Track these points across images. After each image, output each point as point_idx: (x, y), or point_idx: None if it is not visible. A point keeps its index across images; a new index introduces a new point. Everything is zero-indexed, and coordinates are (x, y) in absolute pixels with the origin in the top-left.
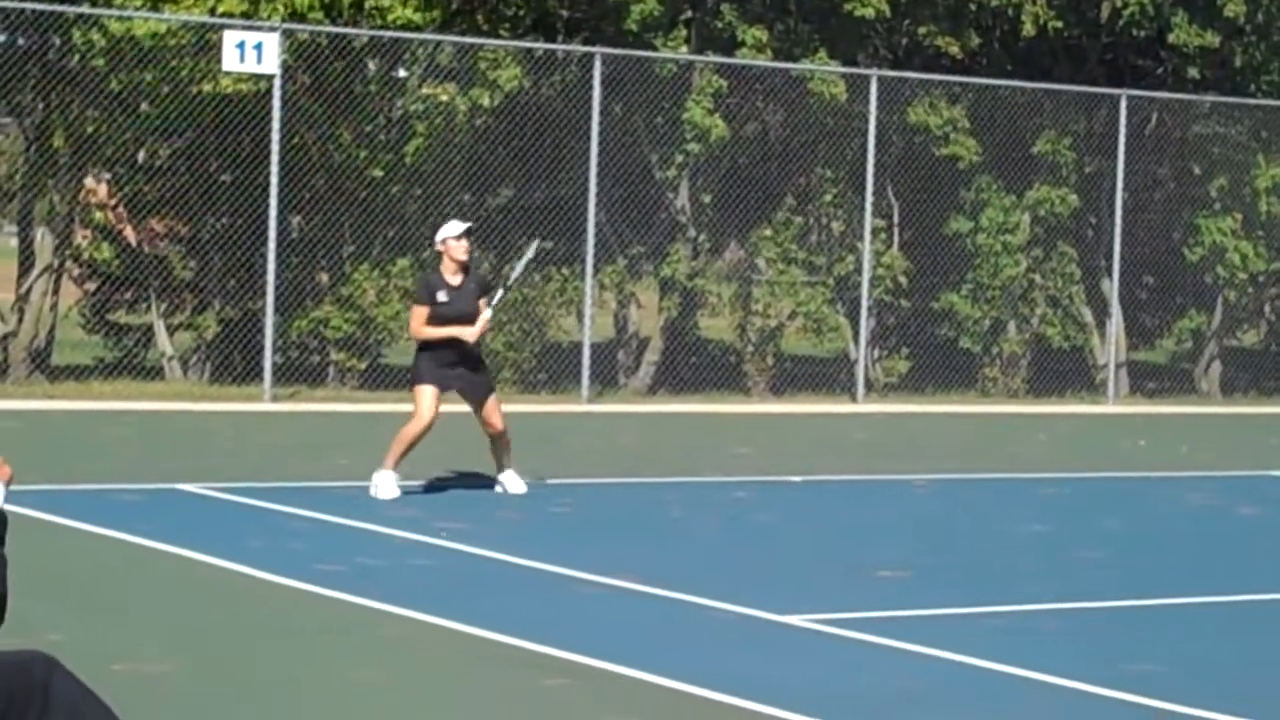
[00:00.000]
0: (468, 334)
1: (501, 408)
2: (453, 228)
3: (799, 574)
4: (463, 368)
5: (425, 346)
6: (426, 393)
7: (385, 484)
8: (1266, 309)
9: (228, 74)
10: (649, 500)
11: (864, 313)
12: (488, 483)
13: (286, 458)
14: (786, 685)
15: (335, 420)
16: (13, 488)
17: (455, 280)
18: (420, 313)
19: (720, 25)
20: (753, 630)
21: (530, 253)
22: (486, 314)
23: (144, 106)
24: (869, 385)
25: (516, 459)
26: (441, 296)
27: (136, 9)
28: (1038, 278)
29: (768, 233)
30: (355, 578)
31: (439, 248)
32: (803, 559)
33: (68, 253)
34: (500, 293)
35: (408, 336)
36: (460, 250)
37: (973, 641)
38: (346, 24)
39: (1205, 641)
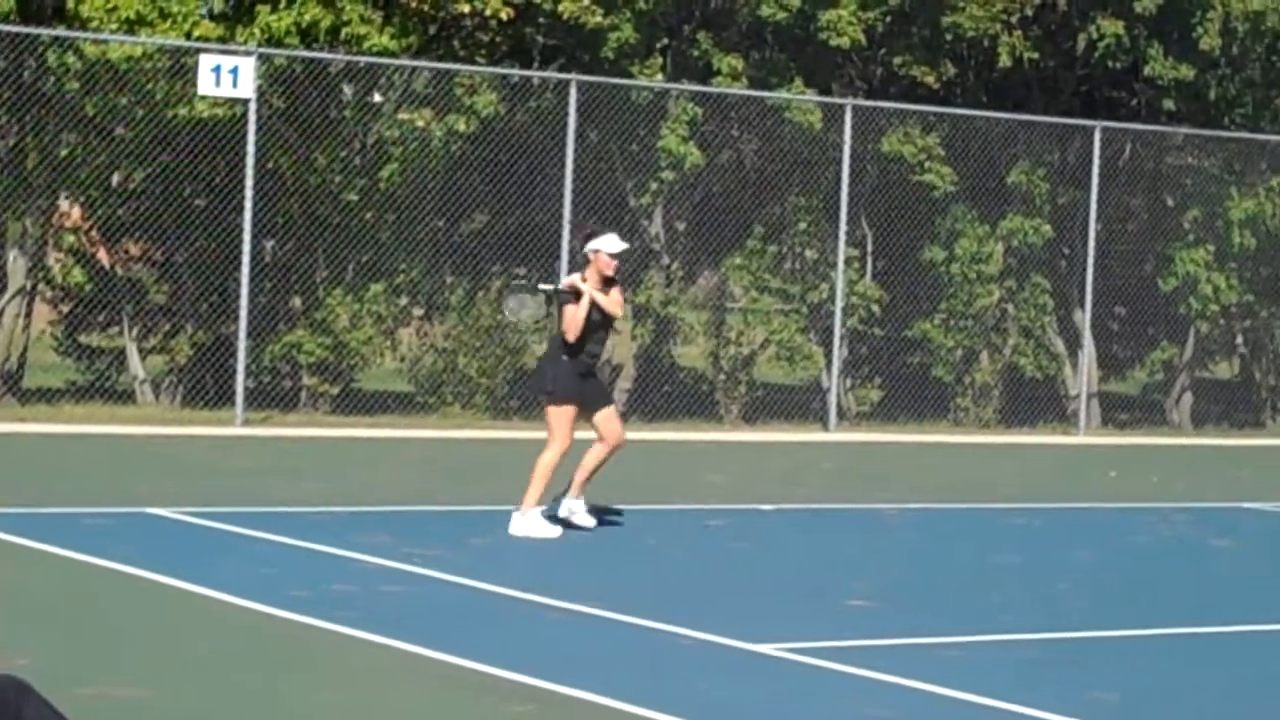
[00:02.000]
0: (605, 302)
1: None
2: (610, 243)
3: (770, 602)
4: (594, 379)
5: (570, 356)
6: (567, 415)
7: (535, 525)
8: (1238, 341)
9: (203, 98)
10: (619, 527)
11: (837, 341)
12: (459, 508)
13: (258, 482)
14: (756, 713)
15: (307, 445)
16: None
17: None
18: (576, 312)
19: (696, 53)
20: (723, 658)
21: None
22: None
23: (119, 130)
24: (841, 414)
25: (499, 486)
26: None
27: (112, 32)
28: (1010, 308)
29: (741, 261)
30: (326, 603)
31: (589, 255)
32: (773, 587)
33: (40, 275)
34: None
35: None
36: (609, 268)
37: (942, 671)
38: (322, 49)
39: (1175, 673)
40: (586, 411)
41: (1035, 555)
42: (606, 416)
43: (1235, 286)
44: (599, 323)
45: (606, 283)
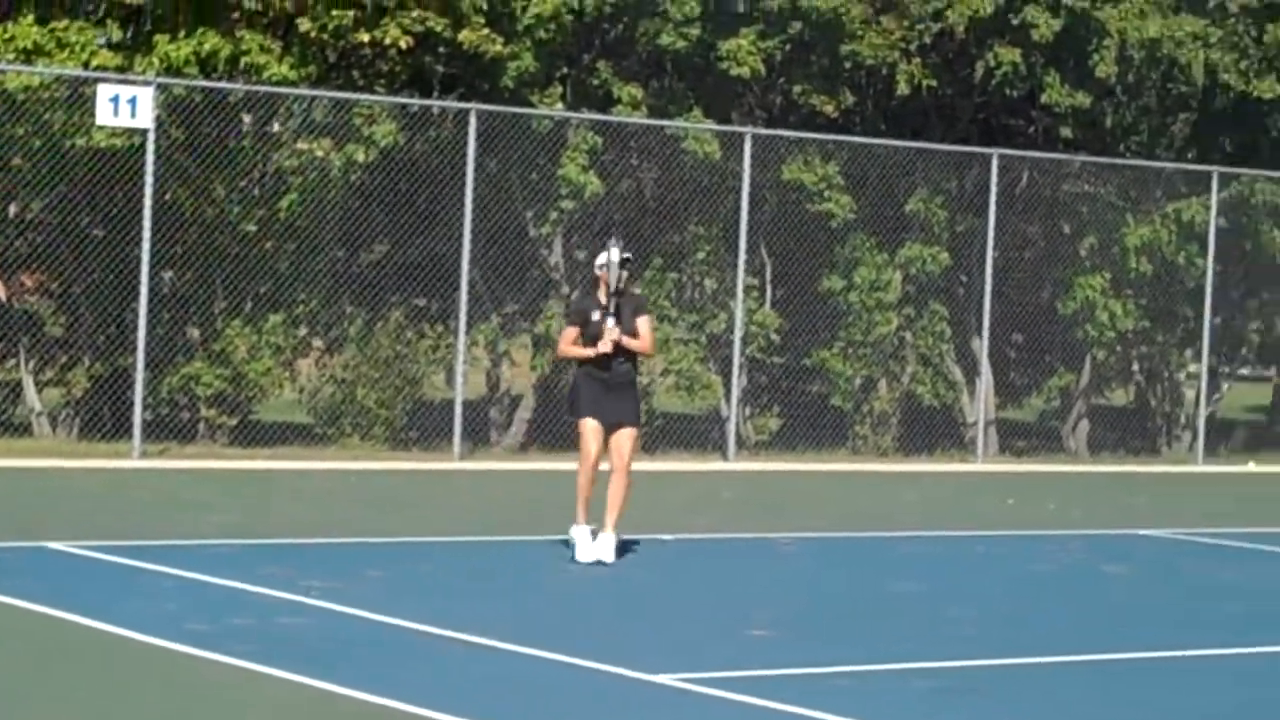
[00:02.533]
0: (603, 344)
1: (636, 451)
2: (601, 256)
3: (669, 632)
4: (619, 393)
5: (579, 367)
6: (587, 427)
7: (581, 541)
8: (1135, 368)
9: (101, 128)
10: (519, 559)
11: (736, 370)
12: (357, 540)
13: (156, 515)
14: None
15: (205, 477)
16: None
17: (605, 303)
18: (570, 333)
19: (596, 83)
20: (622, 689)
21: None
22: (614, 332)
23: (15, 160)
24: (740, 443)
25: (398, 517)
26: (595, 316)
27: (9, 62)
28: (909, 336)
29: (641, 290)
30: (225, 637)
31: (597, 272)
32: (673, 617)
33: None
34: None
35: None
36: (609, 280)
37: (842, 700)
38: (221, 79)
39: (1073, 700)
40: (606, 430)
41: (934, 583)
42: (616, 439)
43: (1132, 313)
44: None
45: (615, 295)
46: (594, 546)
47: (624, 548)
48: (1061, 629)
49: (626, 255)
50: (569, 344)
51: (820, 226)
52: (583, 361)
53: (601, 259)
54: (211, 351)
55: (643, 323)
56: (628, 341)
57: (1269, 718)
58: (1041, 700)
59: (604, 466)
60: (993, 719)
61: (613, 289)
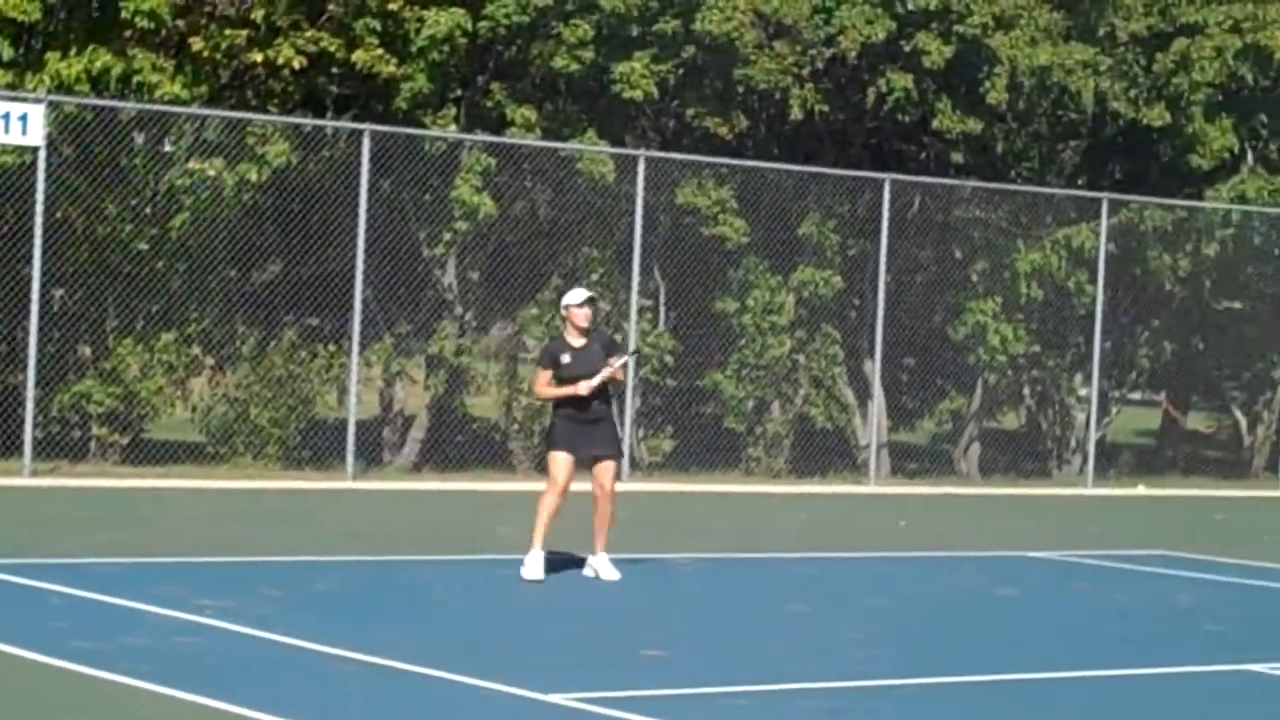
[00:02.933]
0: (582, 387)
1: (617, 483)
2: (575, 295)
3: (562, 652)
4: (594, 428)
5: (557, 408)
6: (558, 460)
7: (532, 563)
8: (1025, 391)
9: None
10: (413, 578)
11: (630, 392)
12: (251, 559)
13: (47, 533)
14: None
15: (97, 496)
16: None
17: (578, 343)
18: (544, 375)
19: (490, 104)
20: (516, 709)
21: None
22: (605, 370)
23: None
24: (634, 464)
25: (291, 536)
26: (565, 359)
27: None
28: (802, 358)
29: (535, 311)
30: (116, 656)
31: (563, 313)
32: (566, 637)
33: None
34: (619, 358)
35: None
36: (582, 317)
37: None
38: (113, 97)
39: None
40: (586, 463)
41: (826, 604)
42: (598, 472)
43: (1023, 337)
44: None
45: (584, 333)
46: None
47: (517, 566)
48: (952, 650)
49: (591, 295)
50: (545, 385)
51: (714, 249)
52: (559, 403)
53: (569, 298)
54: (103, 370)
55: (612, 362)
56: (612, 374)
57: None
58: None
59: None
60: None
61: (585, 327)
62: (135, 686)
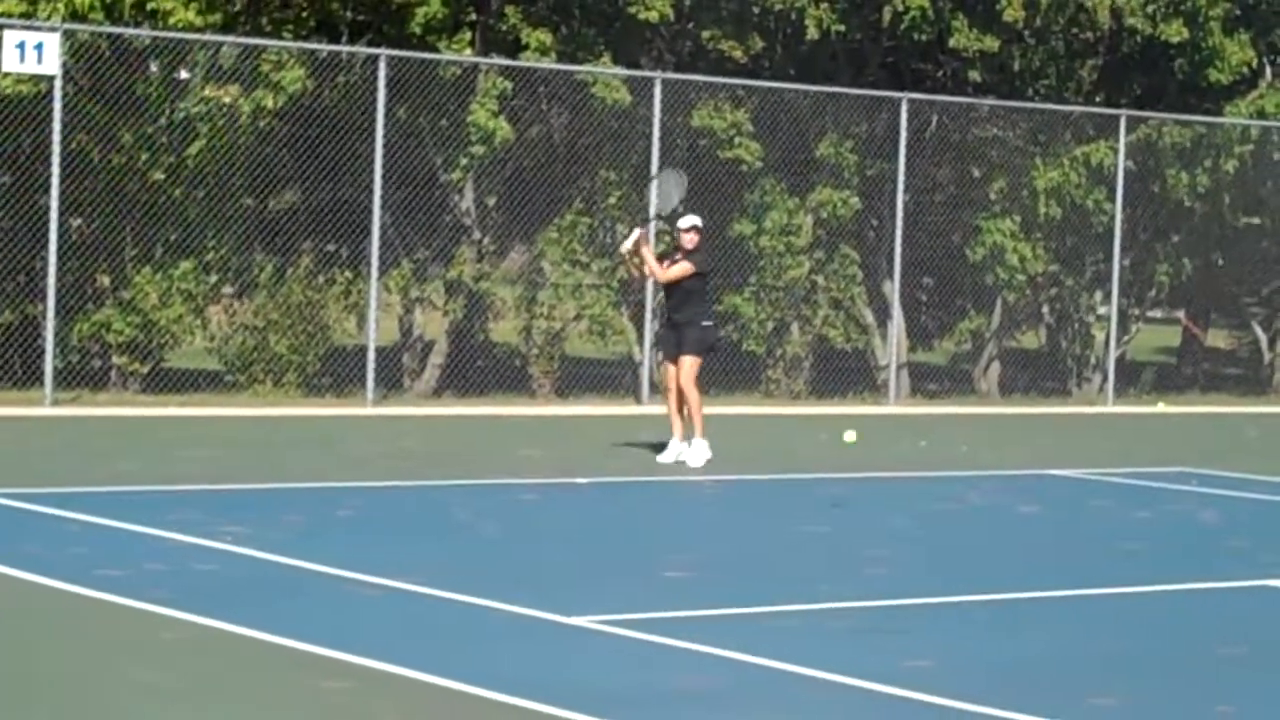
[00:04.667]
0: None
1: (694, 373)
2: (684, 220)
3: (585, 575)
4: (671, 330)
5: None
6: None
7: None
8: (1045, 310)
9: (7, 74)
10: (434, 503)
11: (648, 315)
12: (271, 485)
13: (68, 462)
14: (572, 685)
15: (117, 424)
16: None
17: (677, 256)
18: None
19: (505, 28)
20: (539, 631)
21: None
22: (629, 241)
23: None
24: (654, 386)
25: (311, 462)
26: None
27: None
28: (820, 280)
29: (553, 235)
30: (138, 582)
31: (675, 234)
32: (589, 560)
33: None
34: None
35: None
36: (687, 241)
37: (758, 641)
38: (128, 25)
39: (987, 638)
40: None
41: (847, 525)
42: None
43: (1041, 256)
44: (670, 285)
45: (684, 252)
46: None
47: (540, 490)
48: (976, 568)
49: (695, 223)
50: (661, 270)
51: (730, 172)
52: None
53: (682, 223)
54: (122, 299)
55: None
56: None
57: (1179, 654)
58: (956, 639)
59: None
60: (902, 657)
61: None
62: (157, 612)
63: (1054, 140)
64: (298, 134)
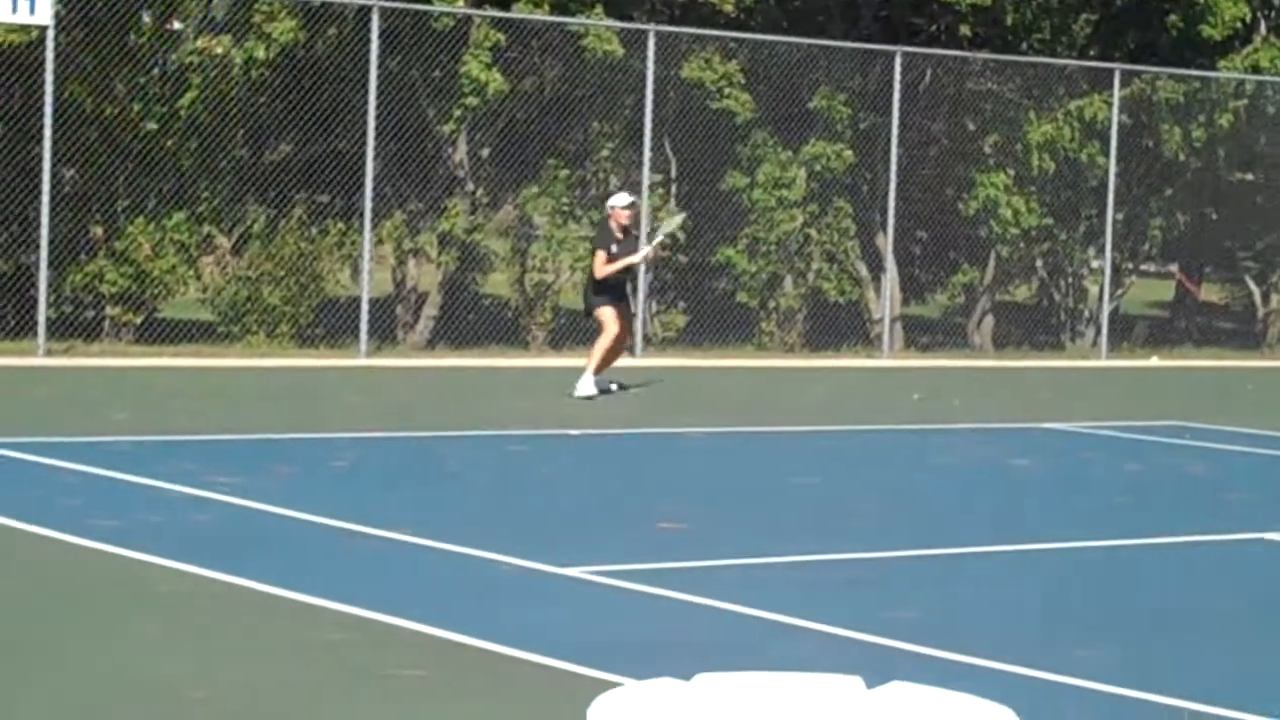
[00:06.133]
0: (636, 258)
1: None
2: (620, 198)
3: (578, 526)
4: (624, 299)
5: (602, 283)
6: (608, 312)
7: (585, 385)
8: (1038, 264)
9: None
10: (427, 454)
11: (641, 268)
12: (265, 436)
13: (61, 412)
14: (565, 636)
15: (110, 375)
16: None
17: (620, 235)
18: (602, 257)
19: None
20: (532, 582)
21: (676, 223)
22: (646, 249)
23: None
24: (647, 339)
25: (305, 412)
26: (614, 249)
27: None
28: (814, 233)
29: (545, 188)
30: (132, 533)
31: (609, 213)
32: (582, 511)
33: None
34: (650, 245)
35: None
36: (624, 217)
37: (748, 592)
38: None
39: (972, 590)
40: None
41: (839, 477)
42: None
43: (1035, 210)
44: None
45: (624, 230)
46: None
47: (532, 441)
48: (967, 521)
49: (633, 200)
50: (604, 265)
51: (724, 124)
52: (604, 279)
53: (613, 202)
54: (115, 249)
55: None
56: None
57: (1171, 607)
58: (945, 591)
59: None
60: (889, 609)
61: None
62: (152, 562)
63: (1048, 94)
64: (290, 85)
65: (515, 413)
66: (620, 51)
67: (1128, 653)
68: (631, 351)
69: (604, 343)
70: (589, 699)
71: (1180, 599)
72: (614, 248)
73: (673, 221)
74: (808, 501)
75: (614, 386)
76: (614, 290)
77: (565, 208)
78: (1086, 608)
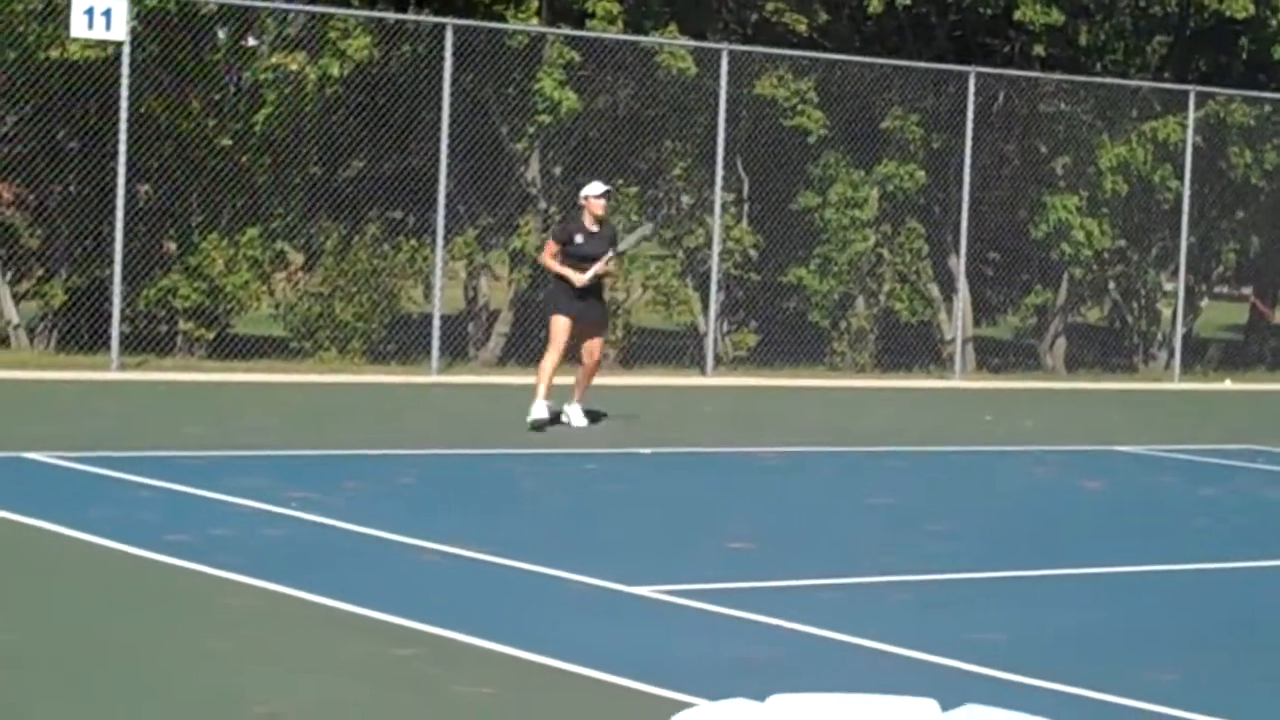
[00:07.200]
0: (577, 278)
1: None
2: (594, 187)
3: (647, 545)
4: (590, 299)
5: (558, 279)
6: (560, 323)
7: (537, 409)
8: (1110, 286)
9: (75, 40)
10: (498, 471)
11: (713, 286)
12: (336, 452)
13: (134, 426)
14: (634, 655)
15: (183, 390)
16: None
17: (593, 228)
18: (552, 247)
19: None
20: (602, 600)
21: (647, 231)
22: (599, 264)
23: None
24: (718, 359)
25: (375, 429)
26: (579, 239)
27: None
28: (886, 253)
29: (617, 205)
30: (204, 547)
31: (581, 202)
32: (652, 530)
33: None
34: (611, 252)
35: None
36: (599, 207)
37: (821, 613)
38: None
39: (1046, 613)
40: (581, 331)
41: (911, 498)
42: (590, 346)
43: (1107, 232)
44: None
45: (599, 221)
46: (564, 412)
47: (603, 459)
48: (1040, 543)
49: (609, 189)
50: (550, 256)
51: (796, 143)
52: (559, 276)
53: (589, 190)
54: (188, 265)
55: (609, 254)
56: (604, 269)
57: (1243, 632)
58: (1022, 614)
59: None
60: (966, 631)
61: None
62: (223, 577)
63: (1121, 116)
64: (364, 102)
65: (586, 431)
66: (694, 70)
67: (1206, 678)
68: (702, 370)
69: (549, 359)
70: (659, 719)
71: (1255, 625)
72: (579, 238)
73: (638, 233)
74: (880, 522)
75: (565, 417)
76: (579, 293)
77: (639, 226)
78: (1161, 631)
